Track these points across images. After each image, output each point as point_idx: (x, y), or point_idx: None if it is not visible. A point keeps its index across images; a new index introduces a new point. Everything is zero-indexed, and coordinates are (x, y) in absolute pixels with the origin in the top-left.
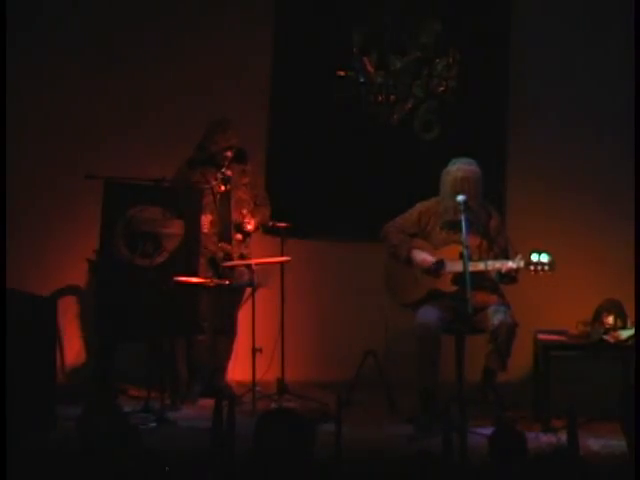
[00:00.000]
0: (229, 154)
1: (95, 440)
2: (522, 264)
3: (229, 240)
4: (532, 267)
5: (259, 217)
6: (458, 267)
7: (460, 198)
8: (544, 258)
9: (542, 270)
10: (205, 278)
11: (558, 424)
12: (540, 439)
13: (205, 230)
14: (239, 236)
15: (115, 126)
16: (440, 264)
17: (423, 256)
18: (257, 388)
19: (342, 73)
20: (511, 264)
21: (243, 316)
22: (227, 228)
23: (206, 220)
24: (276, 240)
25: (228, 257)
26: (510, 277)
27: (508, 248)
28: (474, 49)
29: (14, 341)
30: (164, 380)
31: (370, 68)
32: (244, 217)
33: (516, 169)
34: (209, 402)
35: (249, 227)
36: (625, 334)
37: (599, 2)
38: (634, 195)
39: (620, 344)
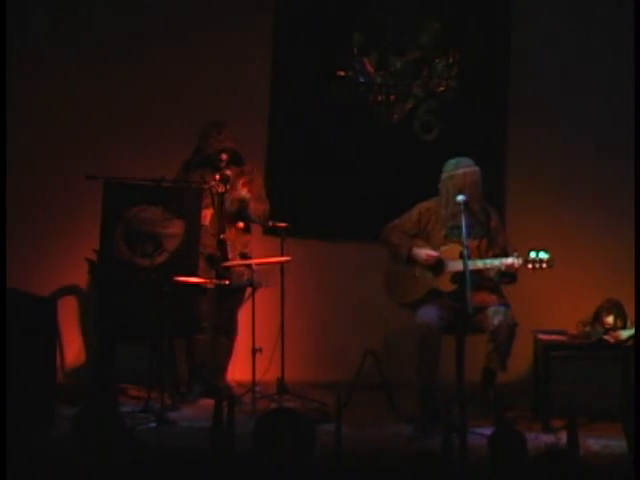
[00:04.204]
0: (224, 156)
1: (90, 440)
2: (520, 261)
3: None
4: (530, 264)
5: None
6: (458, 266)
7: (460, 198)
8: (542, 255)
9: (540, 267)
10: (205, 278)
11: (558, 424)
12: (540, 439)
13: (206, 222)
14: (241, 224)
15: (115, 126)
16: (440, 262)
17: (426, 251)
18: (257, 388)
19: (342, 73)
20: (509, 261)
21: (243, 316)
22: (223, 228)
23: (208, 213)
24: (276, 240)
25: (225, 253)
26: (510, 276)
27: (507, 248)
28: (474, 49)
29: (14, 341)
30: (164, 380)
31: (370, 68)
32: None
33: (516, 169)
34: (209, 402)
35: (242, 193)
36: (625, 334)
37: (599, 2)
38: (634, 195)
39: (620, 344)
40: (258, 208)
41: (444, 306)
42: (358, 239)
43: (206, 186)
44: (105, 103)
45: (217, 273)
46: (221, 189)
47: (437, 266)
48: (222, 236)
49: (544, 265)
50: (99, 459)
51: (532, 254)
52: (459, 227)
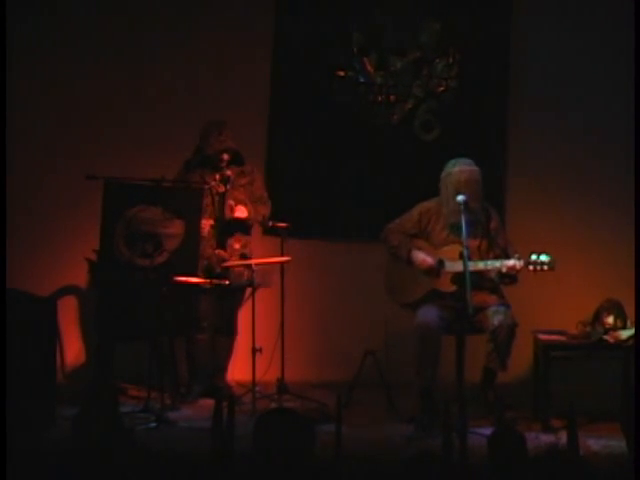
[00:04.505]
0: (225, 156)
1: (89, 440)
2: (521, 262)
3: (224, 245)
4: (531, 266)
5: (252, 211)
6: (458, 267)
7: (460, 198)
8: (543, 257)
9: (542, 269)
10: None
11: (558, 424)
12: (540, 439)
13: (205, 234)
14: (237, 245)
15: (115, 126)
16: (440, 264)
17: (422, 257)
18: (257, 388)
19: (342, 73)
20: (510, 263)
21: (243, 316)
22: (224, 230)
23: (207, 224)
24: (276, 240)
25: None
26: (510, 277)
27: (508, 248)
28: (474, 49)
29: (14, 341)
30: (164, 380)
31: (370, 68)
32: (232, 208)
33: (516, 169)
34: (209, 402)
35: (237, 213)
36: (625, 334)
37: (599, 2)
38: (634, 195)
39: (620, 344)
40: (259, 211)
41: (444, 306)
42: (358, 239)
43: (206, 186)
44: (105, 103)
45: (217, 273)
46: (221, 189)
47: (432, 271)
48: (222, 253)
49: (545, 267)
50: (99, 459)
51: (533, 256)
52: (459, 226)
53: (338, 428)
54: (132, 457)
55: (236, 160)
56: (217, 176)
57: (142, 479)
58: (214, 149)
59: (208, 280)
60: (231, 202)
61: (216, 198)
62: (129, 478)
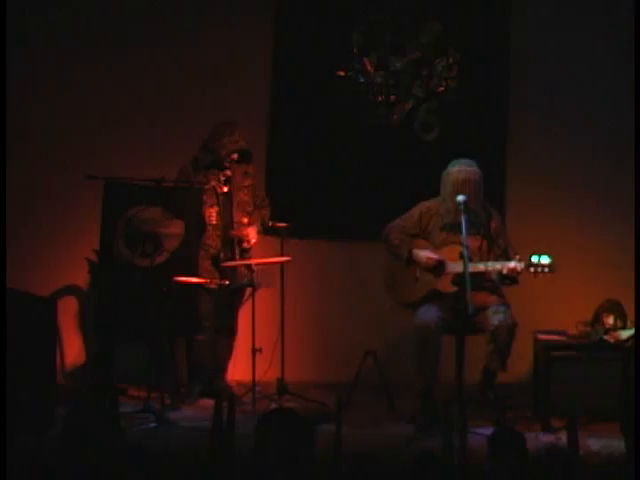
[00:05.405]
0: (235, 157)
1: (78, 440)
2: (522, 265)
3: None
4: (532, 269)
5: (258, 221)
6: (458, 268)
7: (460, 198)
8: (544, 260)
9: (542, 272)
10: (209, 278)
11: (558, 424)
12: (540, 439)
13: (213, 221)
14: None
15: (115, 126)
16: (441, 265)
17: (427, 254)
18: (257, 388)
19: (342, 73)
20: (511, 265)
21: (243, 316)
22: (229, 229)
23: (213, 211)
24: (276, 240)
25: (245, 240)
26: (511, 278)
27: (508, 249)
28: (474, 49)
29: (14, 341)
30: (164, 380)
31: (370, 68)
32: (246, 233)
33: (516, 169)
34: (209, 402)
35: (253, 242)
36: (625, 334)
37: (599, 2)
38: (634, 195)
39: (620, 344)
40: (264, 214)
41: (444, 307)
42: (358, 239)
43: (208, 186)
44: (105, 103)
45: (221, 273)
46: (223, 189)
47: (437, 268)
48: (233, 232)
49: (546, 270)
50: (89, 459)
51: (534, 258)
52: (455, 224)
53: (338, 428)
54: (126, 457)
55: (243, 158)
56: (221, 176)
57: (142, 479)
58: (227, 149)
59: (209, 280)
60: (244, 220)
61: (221, 198)
62: (128, 478)
